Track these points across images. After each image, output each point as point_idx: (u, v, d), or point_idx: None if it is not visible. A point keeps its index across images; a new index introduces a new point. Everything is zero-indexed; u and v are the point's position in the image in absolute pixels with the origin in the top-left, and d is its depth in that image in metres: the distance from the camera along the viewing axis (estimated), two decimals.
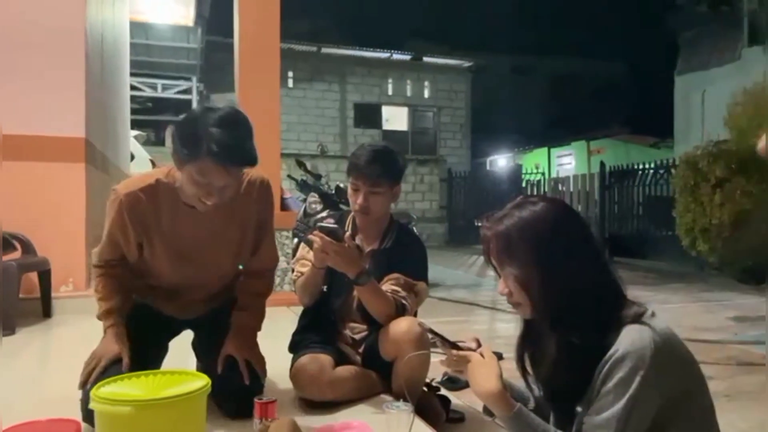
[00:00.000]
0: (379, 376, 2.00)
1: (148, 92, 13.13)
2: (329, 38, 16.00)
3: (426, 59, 16.10)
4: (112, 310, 1.81)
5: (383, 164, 1.98)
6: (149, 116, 13.07)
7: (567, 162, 17.79)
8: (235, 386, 1.75)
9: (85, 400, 1.58)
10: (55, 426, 1.01)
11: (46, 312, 3.52)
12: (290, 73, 14.47)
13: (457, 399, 2.15)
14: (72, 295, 3.72)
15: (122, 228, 1.77)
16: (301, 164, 5.80)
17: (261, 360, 1.89)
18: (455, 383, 2.10)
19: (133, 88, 8.77)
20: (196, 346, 2.04)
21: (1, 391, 2.19)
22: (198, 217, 1.75)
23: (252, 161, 1.66)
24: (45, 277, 3.52)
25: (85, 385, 1.63)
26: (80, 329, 3.29)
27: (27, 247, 3.47)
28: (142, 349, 1.78)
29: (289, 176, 6.10)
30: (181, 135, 1.62)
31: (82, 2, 3.87)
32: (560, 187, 12.13)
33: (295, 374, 1.94)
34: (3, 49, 3.62)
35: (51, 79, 3.73)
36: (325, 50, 15.11)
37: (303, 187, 5.68)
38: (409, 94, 16.24)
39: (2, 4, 3.64)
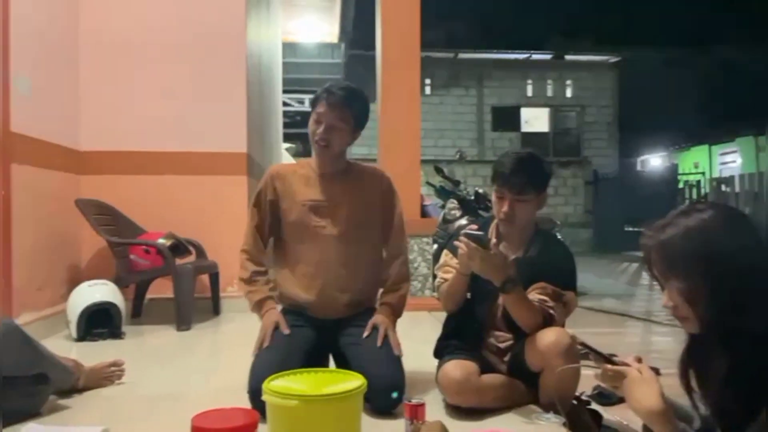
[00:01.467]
0: (525, 386, 1.98)
1: (297, 107, 14.02)
2: (466, 43, 15.98)
3: (568, 57, 15.48)
4: (264, 298, 2.14)
5: (529, 172, 1.96)
6: (298, 129, 13.95)
7: (731, 160, 16.11)
8: (385, 383, 1.86)
9: (253, 392, 1.76)
10: (238, 414, 1.14)
11: (216, 310, 3.92)
12: (427, 81, 14.68)
13: (608, 415, 2.07)
14: (236, 295, 4.09)
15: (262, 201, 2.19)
16: (439, 170, 5.86)
17: (397, 341, 2.07)
18: (607, 398, 2.02)
19: (284, 104, 9.44)
20: (343, 350, 2.13)
21: (182, 379, 2.49)
22: (327, 185, 2.15)
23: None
24: (214, 278, 3.92)
25: (259, 350, 2.00)
26: (244, 326, 3.63)
27: (200, 252, 3.89)
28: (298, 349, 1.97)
29: (427, 183, 6.20)
30: None
31: (243, 29, 4.26)
32: (723, 188, 11.01)
33: (440, 379, 1.98)
34: (180, 76, 4.10)
35: (218, 102, 4.15)
36: (461, 56, 15.14)
37: (441, 193, 5.73)
38: (550, 94, 15.72)
39: (174, 35, 4.12)
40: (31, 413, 1.91)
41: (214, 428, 1.08)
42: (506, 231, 2.05)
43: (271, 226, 2.19)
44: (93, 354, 2.70)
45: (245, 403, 1.75)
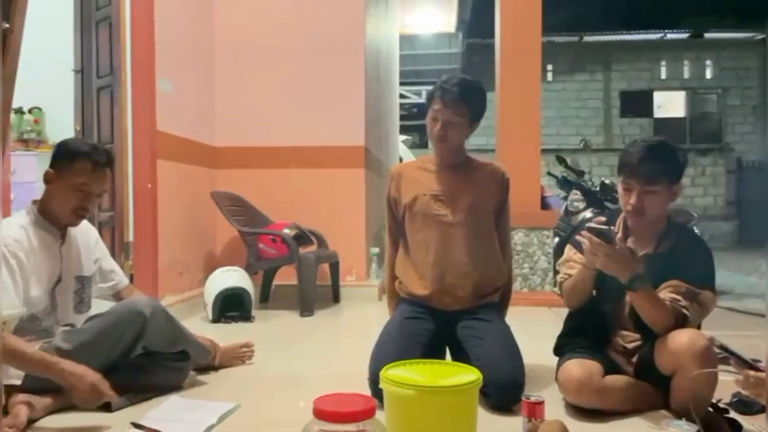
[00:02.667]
0: (654, 390, 1.86)
1: (414, 99, 14.11)
2: (591, 25, 15.14)
3: (707, 35, 14.16)
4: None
5: (660, 161, 1.83)
6: (414, 121, 14.05)
7: None
8: (505, 378, 1.84)
9: (373, 379, 1.81)
10: (357, 399, 1.18)
11: (336, 298, 4.07)
12: (549, 67, 14.10)
13: (750, 425, 1.88)
14: (355, 284, 4.23)
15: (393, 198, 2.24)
16: (561, 160, 5.62)
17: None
18: (748, 407, 1.84)
19: (401, 96, 9.55)
20: (462, 342, 2.12)
21: (305, 362, 2.62)
22: (448, 177, 2.18)
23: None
24: (335, 267, 4.07)
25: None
26: (362, 314, 3.75)
27: (321, 242, 4.05)
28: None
29: (549, 173, 5.97)
30: None
31: (362, 26, 4.36)
32: None
33: (561, 378, 1.91)
34: (303, 74, 4.28)
35: (338, 97, 4.29)
36: (587, 38, 14.37)
37: (563, 184, 5.50)
38: (686, 76, 14.48)
39: (291, 31, 4.30)
40: (174, 387, 2.10)
41: (334, 411, 1.13)
42: (635, 225, 1.93)
43: (400, 224, 2.24)
44: (226, 335, 2.92)
45: (364, 389, 1.81)
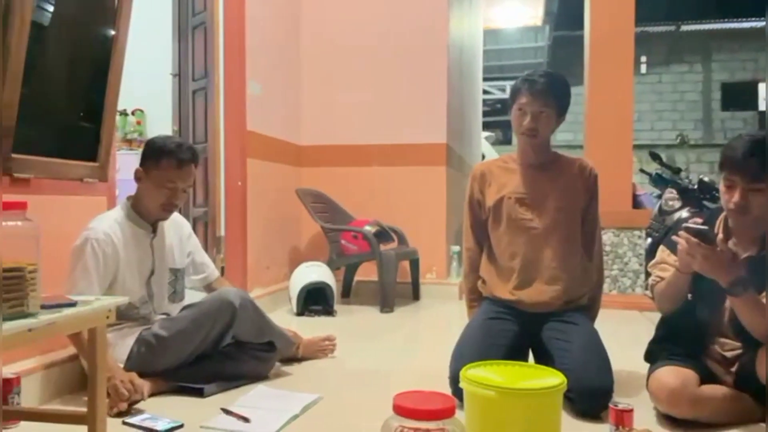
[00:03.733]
0: (755, 402, 1.73)
1: (497, 94, 13.87)
2: (689, 14, 14.25)
3: None
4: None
5: (766, 156, 1.70)
6: (498, 117, 13.81)
7: None
8: (591, 383, 1.77)
9: (454, 378, 1.80)
10: (436, 398, 1.18)
11: (416, 295, 4.08)
12: (643, 58, 13.40)
13: None
14: (435, 282, 4.22)
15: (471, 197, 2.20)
16: (655, 156, 5.33)
17: None
18: None
19: (484, 92, 9.41)
20: (547, 345, 2.06)
21: (386, 358, 2.65)
22: (533, 177, 2.11)
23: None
24: (415, 265, 4.08)
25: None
26: (442, 312, 3.74)
27: (402, 239, 4.07)
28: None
29: (641, 170, 5.68)
30: None
31: (445, 23, 4.34)
32: None
33: (652, 386, 1.82)
34: (386, 73, 4.32)
35: (420, 95, 4.29)
36: (684, 27, 13.53)
37: (657, 181, 5.21)
38: None
39: (374, 30, 4.34)
40: (261, 376, 2.19)
41: (413, 409, 1.13)
42: (737, 225, 1.80)
43: (483, 224, 2.19)
44: (309, 328, 3.00)
45: (443, 388, 1.80)
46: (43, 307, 1.38)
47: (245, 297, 2.17)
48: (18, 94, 1.90)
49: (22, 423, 1.74)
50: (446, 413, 1.13)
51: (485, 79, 9.35)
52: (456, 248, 4.36)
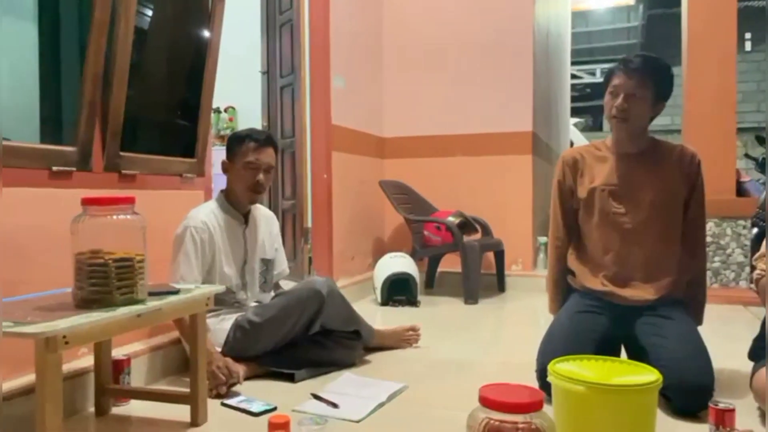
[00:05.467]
0: None
1: (587, 79, 13.32)
2: None
3: None
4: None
5: None
6: (587, 102, 13.26)
7: None
8: (690, 381, 1.69)
9: (541, 372, 1.77)
10: (523, 391, 1.16)
11: (501, 287, 4.02)
12: (747, 35, 12.38)
13: None
14: (521, 273, 4.14)
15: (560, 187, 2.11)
16: (762, 140, 4.95)
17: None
18: None
19: (572, 76, 9.07)
20: (641, 340, 1.97)
21: (470, 349, 2.64)
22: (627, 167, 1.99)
23: None
24: (499, 256, 4.02)
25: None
26: (528, 305, 3.66)
27: (486, 230, 4.03)
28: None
29: (746, 155, 5.28)
30: None
31: (530, 9, 4.21)
32: None
33: (756, 385, 1.70)
34: (469, 62, 4.27)
35: (505, 84, 4.21)
36: None
37: (765, 167, 4.84)
38: None
39: (456, 18, 4.28)
40: (348, 364, 2.25)
41: (500, 401, 1.12)
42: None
43: (572, 214, 2.11)
44: (393, 318, 3.04)
45: (529, 381, 1.78)
46: (150, 294, 1.49)
47: (332, 286, 2.24)
48: (124, 96, 2.05)
49: (132, 401, 1.88)
50: (534, 407, 1.11)
51: (574, 63, 8.99)
52: (543, 239, 4.25)
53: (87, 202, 1.43)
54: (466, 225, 3.81)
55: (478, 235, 3.93)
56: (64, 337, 1.23)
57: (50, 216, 1.75)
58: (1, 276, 1.46)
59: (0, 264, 1.54)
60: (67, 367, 1.70)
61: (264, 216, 2.38)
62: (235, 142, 2.21)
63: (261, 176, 2.17)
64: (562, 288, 2.14)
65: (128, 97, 2.07)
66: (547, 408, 1.19)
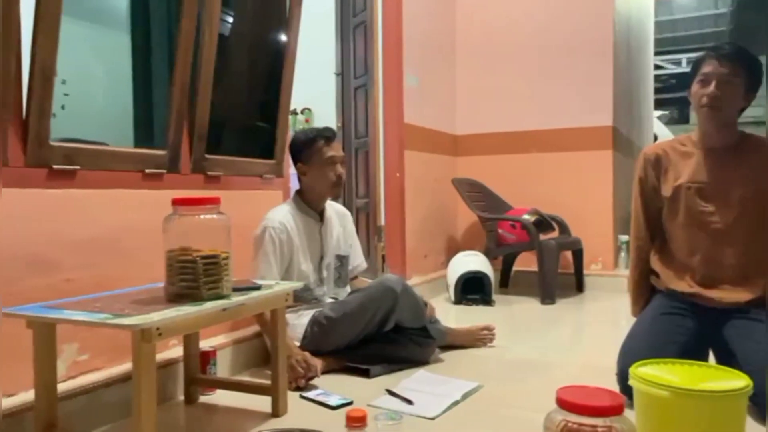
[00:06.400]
0: None
1: (671, 69, 12.69)
2: None
3: None
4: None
5: None
6: (672, 94, 12.62)
7: None
8: None
9: (622, 375, 1.71)
10: (603, 394, 1.13)
11: (579, 287, 3.91)
12: None
13: None
14: (600, 273, 4.01)
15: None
16: None
17: None
18: None
19: (655, 67, 8.65)
20: (730, 344, 1.87)
21: (547, 350, 2.58)
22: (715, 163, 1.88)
23: None
24: (578, 255, 3.90)
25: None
26: (609, 305, 3.54)
27: (563, 228, 3.93)
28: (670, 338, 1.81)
29: None
30: None
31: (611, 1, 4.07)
32: None
33: None
34: (544, 53, 4.17)
35: (583, 77, 4.08)
36: None
37: None
38: None
39: (531, 11, 4.18)
40: (422, 361, 2.27)
41: (579, 404, 1.10)
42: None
43: (655, 212, 2.01)
44: (467, 317, 3.03)
45: (609, 384, 1.72)
46: (234, 289, 1.57)
47: (405, 283, 2.28)
48: (209, 101, 2.16)
49: (218, 391, 1.99)
50: (614, 410, 1.09)
51: (657, 53, 8.58)
52: (624, 238, 4.09)
53: (177, 202, 1.52)
54: (543, 223, 3.73)
55: (555, 234, 3.84)
56: (158, 329, 1.31)
57: (144, 215, 1.88)
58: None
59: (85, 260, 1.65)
60: (160, 357, 1.81)
61: (338, 213, 2.45)
62: (305, 144, 2.29)
63: (340, 168, 2.27)
64: (645, 289, 2.06)
65: (212, 102, 2.18)
66: (628, 413, 1.16)
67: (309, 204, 2.31)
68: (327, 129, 2.35)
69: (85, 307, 1.43)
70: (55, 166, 1.65)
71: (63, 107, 1.85)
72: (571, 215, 3.95)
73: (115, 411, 1.69)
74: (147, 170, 1.95)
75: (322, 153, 2.25)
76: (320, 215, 2.34)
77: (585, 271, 3.94)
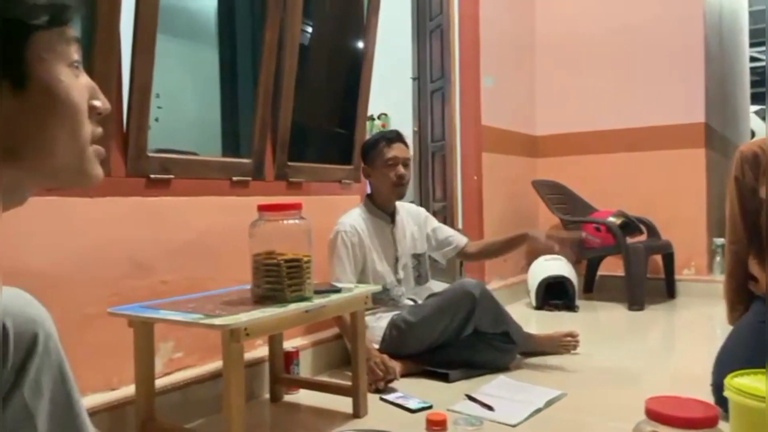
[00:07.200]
0: None
1: None
2: None
3: None
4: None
5: None
6: None
7: None
8: None
9: (717, 386, 1.62)
10: (695, 405, 1.08)
11: (670, 293, 3.71)
12: None
13: None
14: (693, 278, 3.79)
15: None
16: None
17: None
18: None
19: (751, 59, 8.08)
20: None
21: (635, 358, 2.48)
22: None
23: None
24: (668, 259, 3.71)
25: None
26: (703, 313, 3.35)
27: (652, 231, 3.74)
28: None
29: None
30: None
31: None
32: None
33: None
34: (629, 48, 4.01)
35: (672, 71, 3.88)
36: None
37: None
38: None
39: (624, 9, 4.02)
40: (502, 367, 2.23)
41: (670, 415, 1.05)
42: None
43: (753, 214, 1.90)
44: (549, 322, 2.95)
45: (703, 395, 1.63)
46: (315, 292, 1.62)
47: (483, 287, 2.26)
48: (291, 110, 2.24)
49: (301, 391, 2.05)
50: (708, 422, 1.03)
51: (752, 45, 8.01)
52: (720, 241, 3.85)
53: (262, 208, 1.59)
54: (629, 226, 3.58)
55: (642, 237, 3.67)
56: (246, 329, 1.38)
57: (231, 220, 1.97)
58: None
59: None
60: (247, 356, 1.89)
61: (409, 212, 2.48)
62: (370, 148, 2.36)
63: (401, 169, 2.30)
64: (743, 296, 1.93)
65: (293, 111, 2.26)
66: (722, 425, 1.09)
67: (378, 206, 2.35)
68: (390, 131, 2.41)
69: (179, 307, 1.52)
70: (152, 176, 1.77)
71: (157, 120, 1.97)
72: (660, 217, 3.76)
73: (207, 407, 1.78)
74: (234, 178, 2.04)
75: (383, 154, 2.31)
76: (391, 217, 2.37)
77: (676, 276, 3.74)
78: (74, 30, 0.64)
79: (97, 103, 0.66)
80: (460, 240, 2.50)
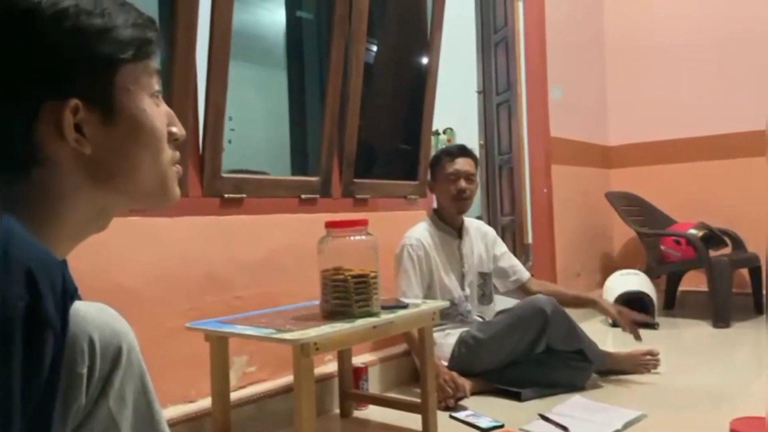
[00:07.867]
0: None
1: None
2: None
3: None
4: None
5: None
6: None
7: None
8: None
9: None
10: None
11: (758, 308, 3.47)
12: None
13: None
14: None
15: None
16: None
17: None
18: None
19: None
20: None
21: (720, 378, 2.33)
22: None
23: None
24: (756, 273, 3.47)
25: None
26: None
27: (737, 243, 3.53)
28: None
29: None
30: None
31: None
32: None
33: None
34: (708, 51, 3.82)
35: (753, 70, 3.66)
36: None
37: None
38: None
39: (696, 9, 3.84)
40: (577, 387, 2.15)
41: None
42: None
43: None
44: (628, 341, 2.82)
45: None
46: (383, 308, 1.62)
47: (555, 304, 2.18)
48: (356, 128, 2.28)
49: (370, 406, 2.05)
50: None
51: None
52: None
53: (330, 225, 1.62)
54: (712, 238, 3.38)
55: (727, 250, 3.46)
56: (315, 344, 1.40)
57: (300, 237, 2.01)
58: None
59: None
60: (317, 371, 1.92)
61: (478, 230, 2.45)
62: (434, 162, 2.40)
63: (462, 183, 2.28)
64: None
65: (359, 129, 2.30)
66: None
67: (444, 220, 2.35)
68: (454, 145, 2.43)
69: (252, 322, 1.57)
70: (226, 195, 1.84)
71: (230, 141, 2.06)
72: (746, 229, 3.53)
73: (279, 420, 1.81)
74: (303, 196, 2.10)
75: (444, 168, 2.32)
76: (458, 232, 2.35)
77: (765, 291, 3.50)
78: (156, 62, 0.68)
79: (174, 129, 0.70)
80: (523, 274, 2.46)
